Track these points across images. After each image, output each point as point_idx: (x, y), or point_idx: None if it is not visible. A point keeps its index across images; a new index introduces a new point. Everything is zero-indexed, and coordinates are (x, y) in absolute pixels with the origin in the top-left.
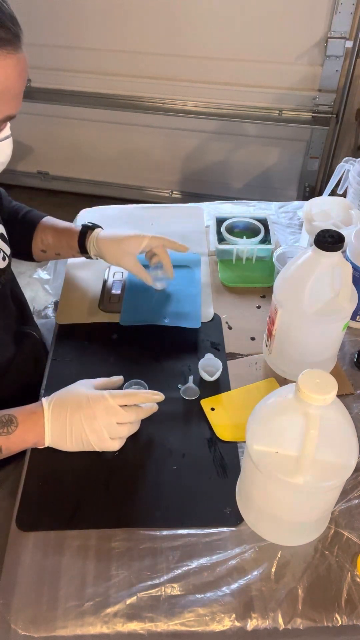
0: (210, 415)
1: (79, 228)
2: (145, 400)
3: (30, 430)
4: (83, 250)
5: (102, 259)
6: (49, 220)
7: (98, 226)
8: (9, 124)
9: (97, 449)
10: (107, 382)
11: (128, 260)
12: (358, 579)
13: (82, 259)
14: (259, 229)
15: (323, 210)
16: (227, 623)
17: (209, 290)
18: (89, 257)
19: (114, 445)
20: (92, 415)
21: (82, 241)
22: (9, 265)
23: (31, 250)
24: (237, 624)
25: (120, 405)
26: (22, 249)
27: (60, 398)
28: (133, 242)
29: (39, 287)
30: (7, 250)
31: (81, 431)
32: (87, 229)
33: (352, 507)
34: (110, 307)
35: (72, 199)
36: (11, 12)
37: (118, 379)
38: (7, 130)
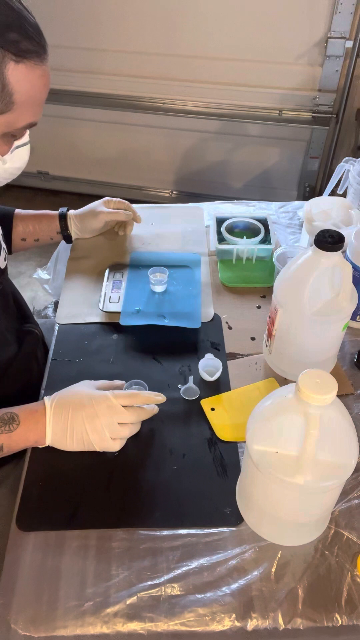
0: (210, 415)
1: (56, 211)
2: (147, 401)
3: (31, 429)
4: (63, 229)
5: (79, 232)
6: (21, 210)
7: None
8: (28, 131)
9: (98, 449)
10: (109, 384)
11: (103, 215)
12: (358, 579)
13: (82, 258)
14: (259, 229)
15: (323, 210)
16: (227, 623)
17: (209, 290)
18: (66, 237)
19: (115, 446)
20: (94, 415)
21: (62, 221)
22: (7, 265)
23: (11, 242)
24: (237, 624)
25: (122, 406)
26: (5, 242)
27: (63, 397)
28: (102, 203)
29: (38, 287)
30: (7, 250)
31: (82, 430)
32: (65, 210)
33: (352, 507)
34: (110, 307)
35: (72, 199)
36: (36, 23)
37: (120, 383)
38: (26, 137)
